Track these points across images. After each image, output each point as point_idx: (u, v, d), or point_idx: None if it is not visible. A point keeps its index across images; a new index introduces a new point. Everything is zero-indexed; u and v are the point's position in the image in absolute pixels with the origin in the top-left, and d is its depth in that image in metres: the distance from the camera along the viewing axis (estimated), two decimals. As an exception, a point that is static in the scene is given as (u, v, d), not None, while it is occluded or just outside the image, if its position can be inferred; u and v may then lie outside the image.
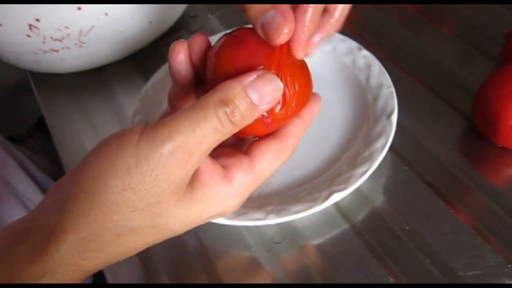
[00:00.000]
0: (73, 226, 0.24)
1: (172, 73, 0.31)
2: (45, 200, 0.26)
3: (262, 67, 0.27)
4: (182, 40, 0.30)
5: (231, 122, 0.25)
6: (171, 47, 0.30)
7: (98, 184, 0.24)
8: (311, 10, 0.27)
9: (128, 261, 0.39)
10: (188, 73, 0.31)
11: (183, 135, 0.24)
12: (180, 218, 0.26)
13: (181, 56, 0.30)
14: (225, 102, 0.24)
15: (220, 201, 0.27)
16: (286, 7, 0.26)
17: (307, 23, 0.27)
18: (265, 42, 0.27)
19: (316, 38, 0.29)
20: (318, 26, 0.29)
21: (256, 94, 0.25)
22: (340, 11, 0.29)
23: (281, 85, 0.26)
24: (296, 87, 0.28)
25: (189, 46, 0.30)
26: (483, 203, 0.39)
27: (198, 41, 0.30)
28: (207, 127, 0.24)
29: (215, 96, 0.24)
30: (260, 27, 0.27)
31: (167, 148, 0.23)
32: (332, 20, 0.29)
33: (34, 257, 0.23)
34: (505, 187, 0.39)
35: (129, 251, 0.26)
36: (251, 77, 0.25)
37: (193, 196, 0.26)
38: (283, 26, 0.26)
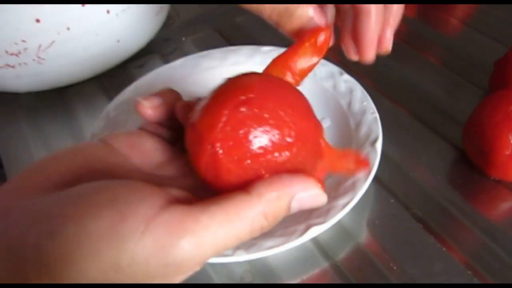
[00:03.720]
0: None
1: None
2: None
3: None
4: (138, 100, 0.27)
5: (261, 231, 0.21)
6: (135, 106, 0.27)
7: (71, 269, 0.18)
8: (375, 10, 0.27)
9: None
10: (166, 116, 0.27)
11: (203, 252, 0.19)
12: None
13: (148, 112, 0.27)
14: (266, 217, 0.21)
15: None
16: (321, 13, 0.28)
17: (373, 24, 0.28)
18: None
19: (388, 32, 0.30)
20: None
21: (297, 206, 0.22)
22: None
23: (325, 201, 0.22)
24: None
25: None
26: (478, 240, 0.35)
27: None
28: (234, 241, 0.20)
29: (258, 208, 0.20)
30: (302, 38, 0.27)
31: (177, 259, 0.19)
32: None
33: None
34: (501, 222, 0.35)
35: None
36: (300, 186, 0.21)
37: None
38: (324, 33, 0.27)
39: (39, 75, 0.47)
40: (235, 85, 0.23)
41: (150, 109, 0.27)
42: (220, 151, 0.21)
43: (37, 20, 0.41)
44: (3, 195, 0.21)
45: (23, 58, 0.44)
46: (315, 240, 0.35)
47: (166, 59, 0.55)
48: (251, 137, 0.21)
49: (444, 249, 0.34)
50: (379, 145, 0.37)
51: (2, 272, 0.18)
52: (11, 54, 0.43)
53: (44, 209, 0.19)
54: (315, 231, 0.32)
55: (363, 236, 0.36)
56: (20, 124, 0.49)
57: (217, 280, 0.34)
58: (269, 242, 0.32)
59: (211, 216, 0.19)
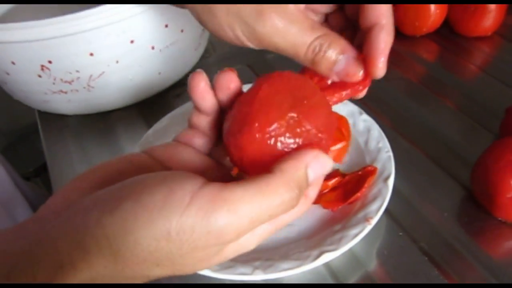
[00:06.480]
0: (88, 266, 0.22)
1: (195, 103, 0.30)
2: (51, 217, 0.23)
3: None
4: (199, 70, 0.30)
5: (292, 207, 0.24)
6: (190, 78, 0.29)
7: (127, 239, 0.21)
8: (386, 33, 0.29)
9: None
10: (211, 104, 0.30)
11: (239, 219, 0.22)
12: (200, 268, 0.25)
13: (202, 85, 0.29)
14: (292, 188, 0.24)
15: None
16: (353, 49, 0.30)
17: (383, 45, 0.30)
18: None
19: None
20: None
21: (313, 175, 0.25)
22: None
23: (331, 164, 0.26)
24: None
25: (215, 83, 0.30)
26: (480, 276, 0.37)
27: (225, 78, 0.30)
28: (267, 214, 0.23)
29: (283, 180, 0.23)
30: (335, 76, 0.30)
31: (217, 226, 0.22)
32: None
33: None
34: (503, 261, 0.38)
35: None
36: (310, 155, 0.25)
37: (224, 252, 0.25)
38: (359, 71, 0.30)
39: (87, 100, 0.52)
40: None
41: (203, 83, 0.29)
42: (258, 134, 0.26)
43: (91, 54, 0.47)
44: (65, 192, 0.25)
45: (75, 85, 0.49)
46: (327, 265, 0.38)
47: (201, 90, 0.60)
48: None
49: (446, 281, 0.37)
50: (391, 182, 0.41)
51: (65, 251, 0.21)
52: (65, 82, 0.49)
53: (102, 196, 0.23)
54: (327, 257, 0.35)
55: (372, 264, 0.39)
56: (66, 143, 0.54)
57: (236, 296, 0.37)
58: (285, 264, 0.35)
59: (245, 189, 0.22)
